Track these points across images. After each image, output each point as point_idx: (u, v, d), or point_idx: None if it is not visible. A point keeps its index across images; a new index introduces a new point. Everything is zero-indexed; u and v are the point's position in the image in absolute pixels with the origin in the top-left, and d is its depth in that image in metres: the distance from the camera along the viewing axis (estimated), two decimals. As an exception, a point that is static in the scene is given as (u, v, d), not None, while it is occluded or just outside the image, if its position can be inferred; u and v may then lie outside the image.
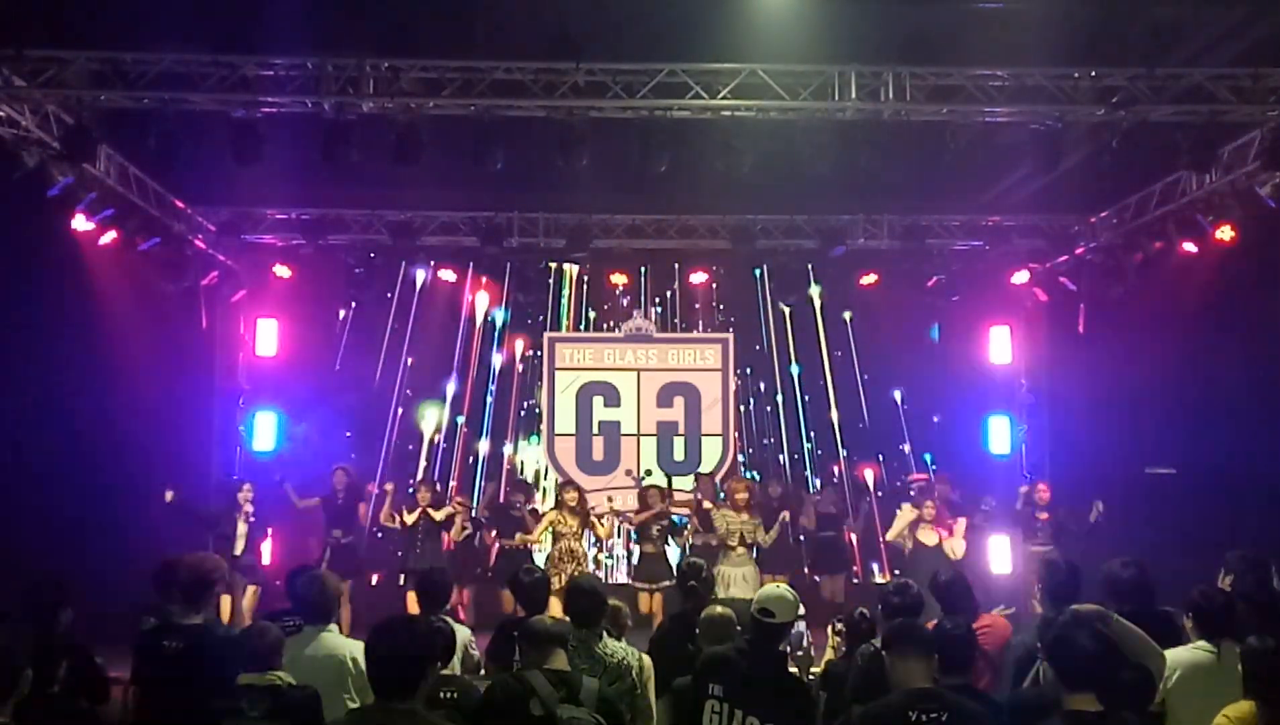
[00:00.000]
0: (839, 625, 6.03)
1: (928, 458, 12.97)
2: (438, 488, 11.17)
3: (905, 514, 10.41)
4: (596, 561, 11.10)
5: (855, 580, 11.93)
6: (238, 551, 10.28)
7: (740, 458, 13.23)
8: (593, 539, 10.97)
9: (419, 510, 10.62)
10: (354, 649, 4.73)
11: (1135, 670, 4.44)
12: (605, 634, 5.21)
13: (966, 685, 4.35)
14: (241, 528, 10.50)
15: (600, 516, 10.91)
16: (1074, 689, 3.61)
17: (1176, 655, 4.73)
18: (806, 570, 11.24)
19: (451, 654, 4.87)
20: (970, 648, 4.58)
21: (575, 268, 13.00)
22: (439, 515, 10.58)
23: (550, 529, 10.52)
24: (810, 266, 12.62)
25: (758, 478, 12.45)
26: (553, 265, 12.83)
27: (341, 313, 12.78)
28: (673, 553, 10.83)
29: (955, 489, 11.53)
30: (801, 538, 11.38)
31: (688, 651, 5.26)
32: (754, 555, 10.50)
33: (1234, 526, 9.38)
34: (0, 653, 3.39)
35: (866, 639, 5.35)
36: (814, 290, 12.95)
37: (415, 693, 3.29)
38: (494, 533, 11.03)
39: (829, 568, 11.17)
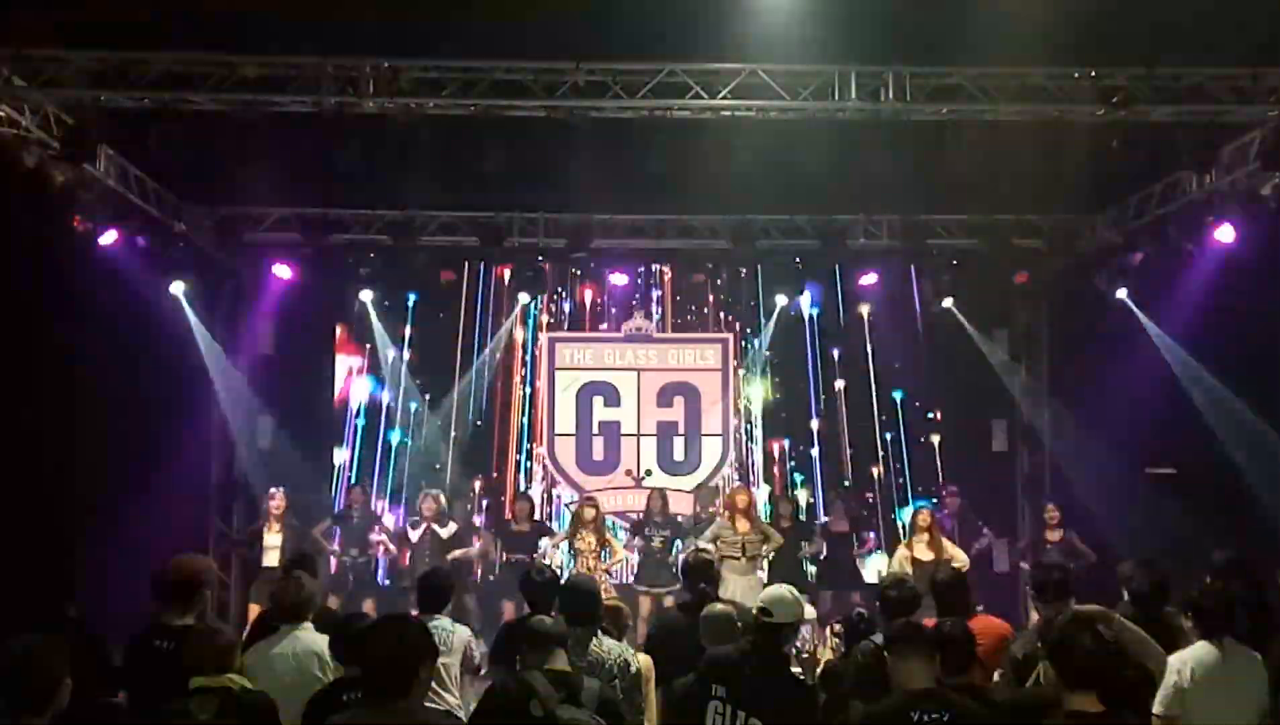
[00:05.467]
0: (837, 626, 6.04)
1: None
2: (441, 498, 11.17)
3: (900, 554, 10.45)
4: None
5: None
6: (268, 563, 10.16)
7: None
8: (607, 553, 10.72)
9: (424, 525, 10.58)
10: (324, 644, 4.86)
11: (1136, 670, 4.45)
12: (602, 633, 5.22)
13: (968, 685, 4.36)
14: (274, 538, 10.37)
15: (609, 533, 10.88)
16: (1075, 689, 3.62)
17: (1186, 656, 4.77)
18: (814, 582, 11.17)
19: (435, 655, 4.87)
20: (970, 648, 4.58)
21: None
22: (445, 533, 10.56)
23: (568, 543, 10.55)
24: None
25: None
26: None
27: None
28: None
29: (963, 499, 11.56)
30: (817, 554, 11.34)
31: (689, 648, 5.25)
32: (760, 566, 10.50)
33: (1234, 526, 9.38)
34: (38, 663, 3.28)
35: (865, 638, 5.35)
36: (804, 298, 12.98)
37: (409, 692, 3.29)
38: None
39: (836, 585, 11.03)
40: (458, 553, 10.51)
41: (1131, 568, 5.55)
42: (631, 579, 11.05)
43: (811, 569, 11.38)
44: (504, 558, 10.92)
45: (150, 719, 4.30)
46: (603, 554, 10.44)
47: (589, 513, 10.51)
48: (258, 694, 4.28)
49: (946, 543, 10.41)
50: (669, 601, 9.81)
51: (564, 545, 10.92)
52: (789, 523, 11.16)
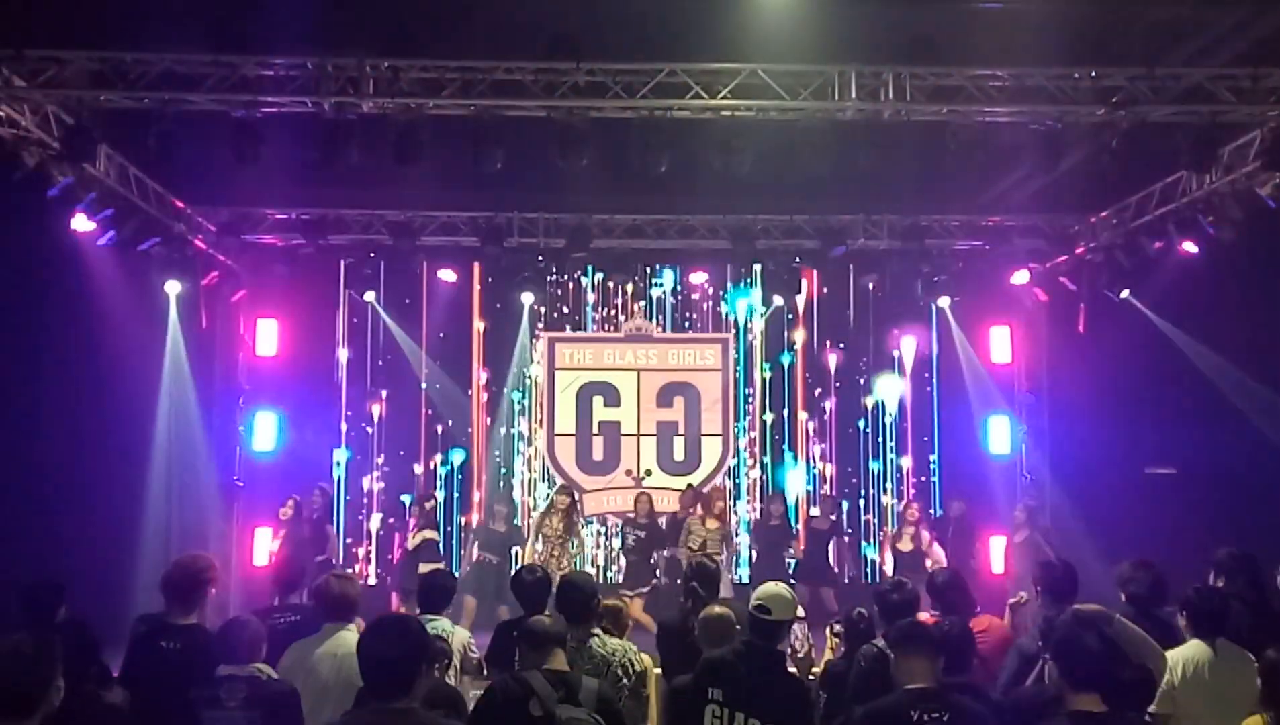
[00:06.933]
0: (837, 626, 6.04)
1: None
2: (428, 506, 11.19)
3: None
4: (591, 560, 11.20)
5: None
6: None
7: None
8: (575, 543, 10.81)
9: (419, 535, 10.69)
10: None
11: (1137, 670, 4.45)
12: (603, 632, 5.21)
13: (968, 684, 4.36)
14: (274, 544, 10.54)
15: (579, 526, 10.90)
16: (1078, 689, 3.62)
17: (1179, 655, 4.78)
18: (794, 580, 11.22)
19: (435, 655, 4.87)
20: (971, 647, 4.58)
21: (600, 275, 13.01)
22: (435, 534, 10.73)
23: (538, 532, 10.62)
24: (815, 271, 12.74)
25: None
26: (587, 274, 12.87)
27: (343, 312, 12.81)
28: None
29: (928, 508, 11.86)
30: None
31: (690, 653, 5.26)
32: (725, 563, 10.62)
33: (1234, 526, 9.37)
34: (28, 663, 3.19)
35: (865, 639, 5.34)
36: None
37: (410, 691, 3.29)
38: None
39: (815, 580, 11.11)
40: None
41: (1130, 568, 5.52)
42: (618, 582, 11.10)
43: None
44: (476, 556, 10.91)
45: (160, 717, 4.33)
46: (570, 542, 10.51)
47: (563, 500, 10.60)
48: (282, 683, 4.33)
49: (931, 540, 10.86)
50: (638, 603, 9.87)
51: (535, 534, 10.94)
52: (778, 522, 11.27)
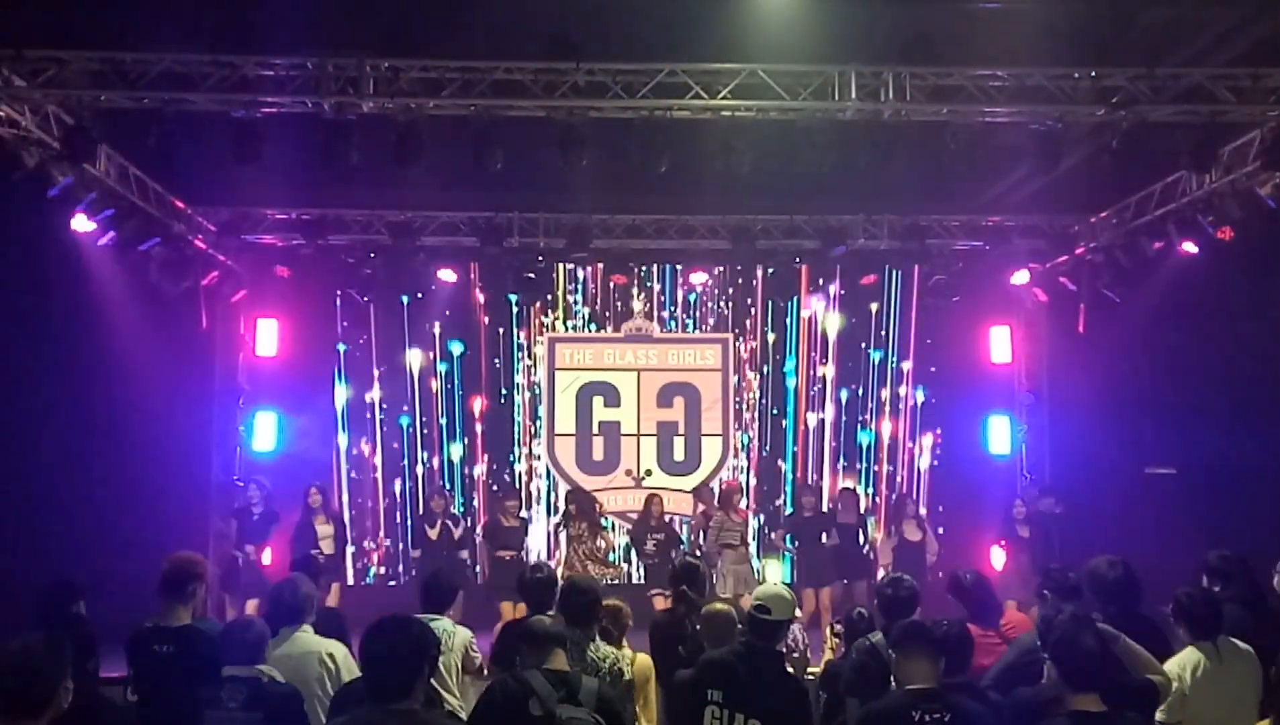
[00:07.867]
0: (838, 626, 6.05)
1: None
2: (448, 495, 11.22)
3: (884, 544, 10.93)
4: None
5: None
6: (329, 551, 10.35)
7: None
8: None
9: (439, 523, 10.74)
10: (329, 646, 4.86)
11: (1140, 682, 4.44)
12: (600, 636, 5.21)
13: (968, 684, 4.36)
14: (325, 528, 10.59)
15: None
16: (1078, 690, 3.62)
17: (1185, 660, 4.77)
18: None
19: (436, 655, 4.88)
20: (970, 647, 4.58)
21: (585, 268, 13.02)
22: (457, 533, 10.82)
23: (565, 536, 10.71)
24: (813, 271, 12.75)
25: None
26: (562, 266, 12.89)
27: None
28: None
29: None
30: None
31: (679, 653, 5.26)
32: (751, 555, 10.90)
33: (1233, 526, 9.38)
34: (37, 664, 3.15)
35: (864, 637, 5.36)
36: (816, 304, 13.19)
37: (411, 692, 3.29)
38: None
39: (853, 574, 11.03)
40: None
41: (1104, 565, 5.44)
42: (641, 580, 11.17)
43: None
44: (495, 555, 10.83)
45: (161, 719, 4.34)
46: (599, 542, 10.63)
47: (574, 508, 10.70)
48: (285, 685, 4.34)
49: (929, 531, 11.24)
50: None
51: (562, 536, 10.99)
52: (811, 513, 11.28)
